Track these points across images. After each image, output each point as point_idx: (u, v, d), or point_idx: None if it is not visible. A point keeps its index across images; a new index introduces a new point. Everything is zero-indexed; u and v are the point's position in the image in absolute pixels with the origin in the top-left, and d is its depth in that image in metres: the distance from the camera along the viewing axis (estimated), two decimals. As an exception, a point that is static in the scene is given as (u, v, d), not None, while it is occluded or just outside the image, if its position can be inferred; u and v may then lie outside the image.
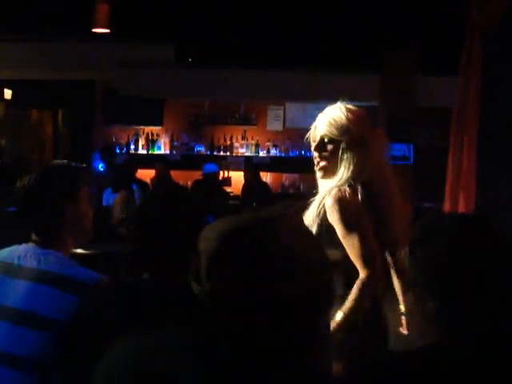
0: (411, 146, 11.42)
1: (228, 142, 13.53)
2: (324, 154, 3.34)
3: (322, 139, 3.35)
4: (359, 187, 3.24)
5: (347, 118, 3.30)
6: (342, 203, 3.16)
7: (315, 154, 3.38)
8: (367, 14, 10.00)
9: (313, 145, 3.40)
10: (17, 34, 11.14)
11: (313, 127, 3.42)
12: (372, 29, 10.22)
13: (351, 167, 3.27)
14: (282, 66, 11.68)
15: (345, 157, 3.29)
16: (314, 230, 3.19)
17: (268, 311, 1.51)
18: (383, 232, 3.30)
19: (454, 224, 1.86)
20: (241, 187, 12.20)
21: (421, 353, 1.81)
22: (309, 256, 1.58)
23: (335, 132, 3.30)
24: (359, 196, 3.23)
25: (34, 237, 2.70)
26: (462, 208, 6.22)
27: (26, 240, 2.74)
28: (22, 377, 2.41)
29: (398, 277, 3.60)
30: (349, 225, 3.14)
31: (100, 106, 13.47)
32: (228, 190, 12.67)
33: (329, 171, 3.35)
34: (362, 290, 3.12)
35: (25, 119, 14.33)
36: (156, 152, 13.47)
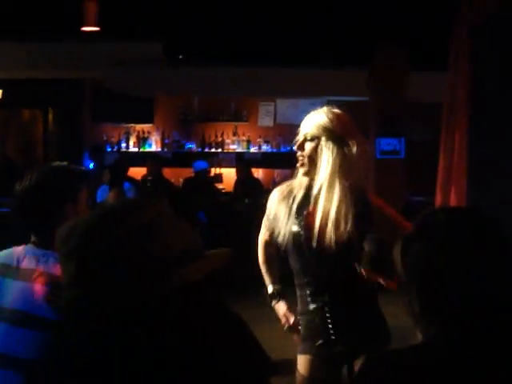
0: (402, 141, 11.40)
1: (219, 139, 13.52)
2: (304, 151, 3.48)
3: (303, 138, 3.49)
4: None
5: (327, 117, 3.45)
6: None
7: (298, 153, 3.51)
8: (357, 10, 9.99)
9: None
10: (5, 33, 11.08)
11: (298, 131, 3.56)
12: (362, 24, 10.20)
13: (330, 163, 3.39)
14: (272, 62, 11.67)
15: (323, 153, 3.41)
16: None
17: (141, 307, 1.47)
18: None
19: (444, 220, 1.85)
20: (233, 183, 12.21)
21: (407, 352, 1.81)
22: (181, 242, 1.55)
23: (314, 130, 3.44)
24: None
25: (32, 238, 2.69)
26: (453, 202, 6.23)
27: (20, 240, 2.73)
28: (17, 377, 2.40)
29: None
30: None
31: (90, 104, 13.45)
32: (220, 186, 12.67)
33: (310, 168, 3.48)
34: None
35: (15, 119, 14.28)
36: (147, 150, 13.46)
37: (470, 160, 6.31)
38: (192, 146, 13.57)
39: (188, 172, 11.75)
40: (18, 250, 2.67)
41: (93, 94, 13.38)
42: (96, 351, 1.52)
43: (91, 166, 12.72)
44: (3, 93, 13.25)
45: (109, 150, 13.27)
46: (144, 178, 11.72)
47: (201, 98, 13.39)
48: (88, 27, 9.71)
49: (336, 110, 3.52)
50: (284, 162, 12.99)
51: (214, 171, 13.13)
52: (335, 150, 3.37)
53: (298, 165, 3.52)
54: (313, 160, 3.43)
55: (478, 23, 6.18)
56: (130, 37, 11.51)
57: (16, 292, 2.51)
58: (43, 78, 12.62)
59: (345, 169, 3.37)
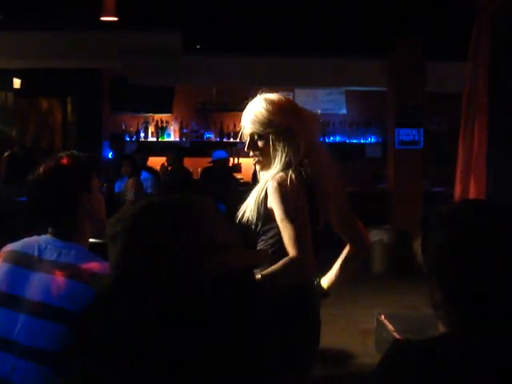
0: (421, 131, 11.37)
1: (237, 129, 13.46)
2: (256, 151, 3.42)
3: (251, 137, 3.43)
4: (300, 168, 3.28)
5: (268, 110, 3.36)
6: (283, 188, 3.20)
7: (250, 152, 3.46)
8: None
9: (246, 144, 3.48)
10: (25, 23, 11.13)
11: (242, 126, 3.51)
12: (381, 14, 10.16)
13: (283, 157, 3.31)
14: (291, 51, 11.64)
15: (276, 149, 3.34)
16: (253, 213, 3.30)
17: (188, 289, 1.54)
18: (321, 211, 3.35)
19: (465, 212, 1.85)
20: (251, 173, 12.20)
21: (431, 341, 1.81)
22: (221, 236, 1.63)
23: (260, 128, 3.36)
24: (299, 177, 3.25)
25: (50, 229, 2.66)
26: (472, 192, 6.20)
27: (36, 228, 2.70)
28: (39, 368, 2.41)
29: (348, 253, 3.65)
30: (287, 209, 3.17)
31: (109, 94, 13.49)
32: (238, 176, 12.68)
33: (265, 165, 3.42)
34: (285, 266, 3.14)
35: (34, 108, 14.34)
36: (166, 139, 13.49)
37: (489, 150, 6.28)
38: (210, 136, 13.59)
39: (206, 161, 11.77)
40: (39, 239, 2.64)
41: (111, 84, 13.43)
42: (129, 334, 1.57)
43: (110, 155, 12.78)
44: (22, 82, 13.31)
45: (127, 139, 13.32)
46: (162, 167, 11.78)
47: (219, 88, 13.38)
48: (106, 17, 9.71)
49: (274, 97, 3.45)
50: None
51: (232, 161, 13.14)
52: (286, 144, 3.31)
53: (253, 162, 3.49)
54: (267, 157, 3.38)
55: (500, 13, 6.15)
56: (148, 26, 11.52)
57: (38, 284, 2.50)
58: (62, 67, 12.66)
59: (294, 159, 3.30)
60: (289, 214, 3.16)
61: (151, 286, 1.55)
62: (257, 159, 3.44)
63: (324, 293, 3.60)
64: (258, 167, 3.47)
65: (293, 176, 3.21)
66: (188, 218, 1.62)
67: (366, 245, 3.72)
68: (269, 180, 3.27)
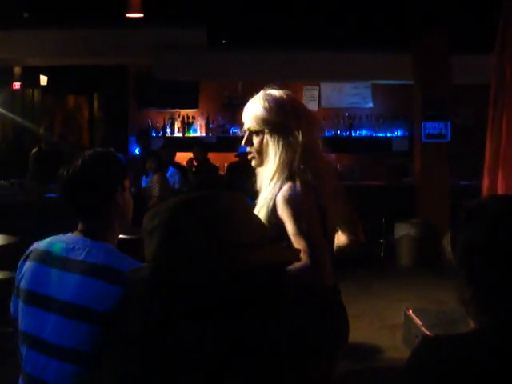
0: (448, 124, 11.30)
1: (263, 123, 13.49)
2: (252, 146, 3.42)
3: (249, 133, 3.43)
4: (303, 176, 3.25)
5: (265, 107, 3.36)
6: (293, 201, 3.17)
7: (247, 148, 3.46)
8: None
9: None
10: (51, 20, 11.19)
11: (243, 121, 3.51)
12: (406, 6, 10.11)
13: (278, 155, 3.30)
14: (316, 45, 11.62)
15: (270, 145, 3.34)
16: (265, 222, 3.17)
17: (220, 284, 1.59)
18: (327, 218, 3.31)
19: (495, 208, 1.83)
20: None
21: (460, 338, 1.80)
22: (252, 231, 1.70)
23: (255, 124, 3.38)
24: (307, 185, 3.22)
25: (80, 226, 2.64)
26: (500, 186, 6.16)
27: (65, 224, 2.70)
28: (69, 367, 2.42)
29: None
30: (299, 224, 3.13)
31: (135, 90, 13.54)
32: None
33: (261, 161, 3.42)
34: (298, 269, 2.97)
35: (61, 105, 14.44)
36: (192, 135, 13.52)
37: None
38: (236, 131, 13.59)
39: (233, 156, 11.79)
40: (67, 238, 2.63)
41: (137, 80, 13.47)
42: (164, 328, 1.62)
43: (137, 151, 12.84)
44: (49, 80, 13.40)
45: (154, 135, 13.37)
46: (188, 162, 11.85)
47: (245, 83, 13.37)
48: (132, 14, 9.76)
49: (274, 93, 3.44)
50: (329, 146, 12.92)
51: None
52: (280, 142, 3.31)
53: (249, 157, 3.48)
54: (261, 154, 3.38)
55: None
56: (173, 23, 11.54)
57: (66, 283, 2.50)
58: (88, 64, 12.73)
59: (292, 159, 3.27)
60: (301, 228, 3.12)
61: (187, 279, 1.60)
62: (251, 155, 3.44)
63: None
64: (253, 163, 3.46)
65: (301, 186, 3.20)
66: (223, 213, 1.67)
67: (361, 242, 3.67)
68: (276, 191, 3.24)
